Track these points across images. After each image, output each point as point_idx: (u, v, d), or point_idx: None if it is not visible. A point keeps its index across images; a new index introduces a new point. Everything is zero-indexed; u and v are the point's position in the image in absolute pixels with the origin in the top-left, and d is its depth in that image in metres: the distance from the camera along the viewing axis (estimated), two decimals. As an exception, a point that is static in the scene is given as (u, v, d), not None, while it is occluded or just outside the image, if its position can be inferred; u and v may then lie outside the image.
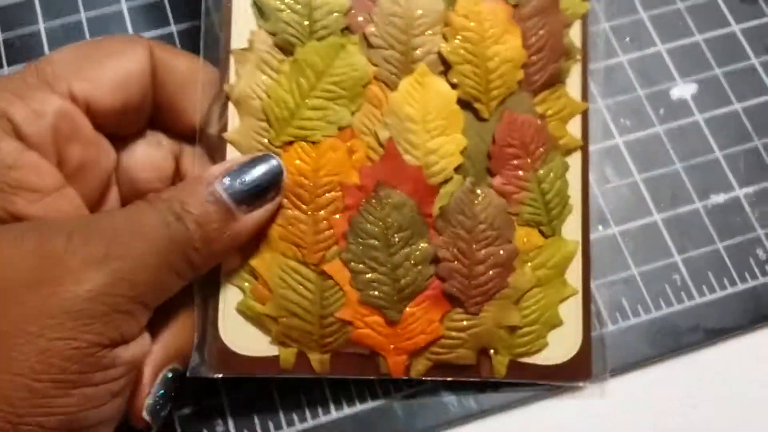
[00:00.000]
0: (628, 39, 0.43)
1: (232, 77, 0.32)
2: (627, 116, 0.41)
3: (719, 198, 0.40)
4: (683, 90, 0.42)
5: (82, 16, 0.41)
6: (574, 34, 0.35)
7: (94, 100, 0.30)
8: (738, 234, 0.39)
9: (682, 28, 0.43)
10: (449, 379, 0.33)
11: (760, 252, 0.39)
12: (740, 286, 0.38)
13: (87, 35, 0.41)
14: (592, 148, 0.37)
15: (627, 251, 0.38)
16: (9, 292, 0.25)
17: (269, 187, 0.30)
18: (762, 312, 0.38)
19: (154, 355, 0.29)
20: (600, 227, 0.38)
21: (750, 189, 0.40)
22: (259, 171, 0.30)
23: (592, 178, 0.36)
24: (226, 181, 0.29)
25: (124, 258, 0.26)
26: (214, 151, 0.32)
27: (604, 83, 0.41)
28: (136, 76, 0.30)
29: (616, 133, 0.41)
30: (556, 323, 0.34)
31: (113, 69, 0.30)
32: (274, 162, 0.30)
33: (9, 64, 0.40)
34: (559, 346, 0.34)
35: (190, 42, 0.35)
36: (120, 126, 0.31)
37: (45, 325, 0.25)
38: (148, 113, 0.32)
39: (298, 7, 0.32)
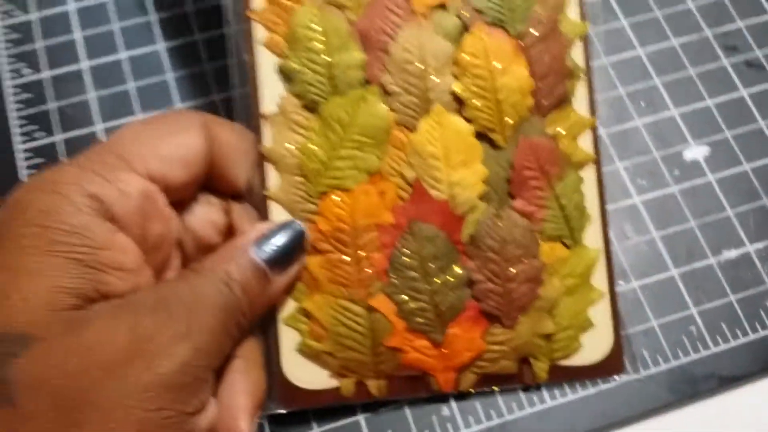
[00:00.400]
0: (643, 104, 0.44)
1: (267, 139, 0.34)
2: (644, 177, 0.42)
3: (731, 254, 0.41)
4: (696, 152, 0.43)
5: (130, 86, 0.44)
6: (576, 54, 0.36)
7: (168, 178, 0.32)
8: (749, 287, 0.40)
9: (693, 93, 0.45)
10: (497, 388, 0.36)
11: None
12: (752, 336, 0.39)
13: (135, 104, 0.43)
14: (611, 206, 0.39)
15: (646, 304, 0.40)
16: (107, 368, 0.27)
17: (296, 249, 0.33)
18: None
19: (245, 408, 0.31)
20: (621, 282, 0.39)
21: (760, 245, 0.41)
22: (285, 237, 0.33)
23: (612, 234, 0.38)
24: (260, 247, 0.32)
25: (200, 331, 0.29)
26: (259, 207, 0.34)
27: (622, 146, 0.43)
28: (199, 150, 0.32)
29: (633, 193, 0.42)
30: (587, 326, 0.36)
31: (181, 146, 0.32)
32: (297, 227, 0.33)
33: (63, 131, 0.43)
34: (593, 347, 0.36)
35: (232, 108, 0.38)
36: (185, 195, 0.34)
37: (141, 398, 0.27)
38: (203, 180, 0.34)
39: (319, 67, 0.34)
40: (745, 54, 0.46)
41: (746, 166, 0.43)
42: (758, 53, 0.46)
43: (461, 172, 0.35)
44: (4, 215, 0.29)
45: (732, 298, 0.40)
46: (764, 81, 0.45)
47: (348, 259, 0.34)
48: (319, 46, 0.35)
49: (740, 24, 0.46)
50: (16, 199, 0.29)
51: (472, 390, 0.36)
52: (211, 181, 0.34)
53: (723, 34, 0.46)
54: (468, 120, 0.35)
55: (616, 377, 0.37)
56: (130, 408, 0.27)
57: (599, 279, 0.36)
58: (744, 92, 0.45)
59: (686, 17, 0.46)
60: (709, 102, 0.44)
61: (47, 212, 0.28)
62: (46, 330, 0.27)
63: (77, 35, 0.45)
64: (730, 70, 0.45)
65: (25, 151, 0.42)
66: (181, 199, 0.33)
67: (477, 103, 0.35)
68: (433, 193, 0.35)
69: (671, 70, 0.45)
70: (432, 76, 0.35)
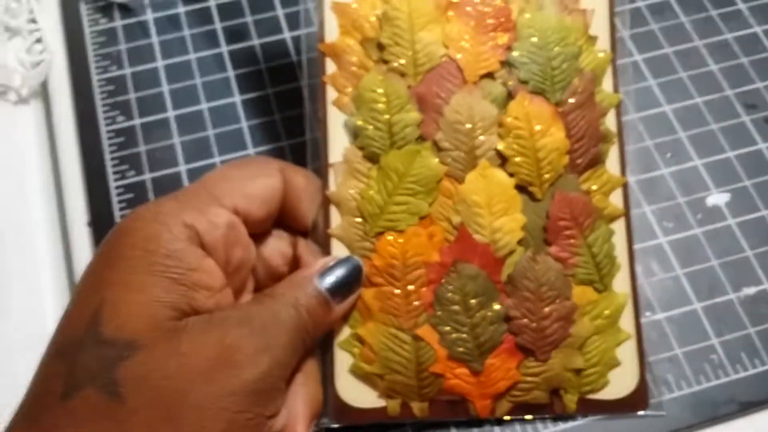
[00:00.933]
0: (669, 155, 0.47)
1: (332, 185, 0.38)
2: (669, 220, 0.45)
3: (750, 290, 0.43)
4: (717, 198, 0.46)
5: (210, 132, 0.48)
6: (610, 121, 0.40)
7: (249, 213, 0.35)
8: (767, 321, 0.42)
9: (715, 146, 0.47)
10: (529, 417, 0.39)
11: None
12: None
13: (214, 149, 0.47)
14: (639, 246, 0.41)
15: (671, 334, 0.42)
16: (201, 372, 0.30)
17: (353, 281, 0.37)
18: None
19: (303, 416, 0.34)
20: (648, 313, 0.42)
21: None
22: (345, 270, 0.36)
23: (640, 270, 0.41)
24: (323, 278, 0.35)
25: (277, 346, 0.32)
26: (322, 243, 0.38)
27: (650, 192, 0.45)
28: (276, 192, 0.36)
29: (660, 234, 0.44)
30: (614, 364, 0.38)
31: (261, 187, 0.36)
32: (355, 262, 0.37)
33: (151, 171, 0.47)
34: (619, 383, 0.38)
35: (298, 153, 0.42)
36: (261, 229, 0.37)
37: (230, 400, 0.30)
38: (276, 217, 0.38)
39: (380, 125, 0.38)
40: (764, 111, 0.48)
41: (764, 212, 0.45)
42: None
43: (502, 220, 0.38)
44: (114, 239, 0.33)
45: (751, 330, 0.42)
46: None
47: (398, 292, 0.38)
48: (382, 106, 0.38)
49: (759, 84, 0.49)
50: (125, 226, 0.33)
51: (507, 417, 0.38)
52: (283, 218, 0.38)
53: (743, 93, 0.49)
54: (510, 174, 0.38)
55: (640, 413, 0.39)
56: (221, 409, 0.30)
57: (627, 321, 0.39)
58: (762, 146, 0.47)
59: (709, 78, 0.49)
60: (730, 154, 0.47)
61: (150, 238, 0.32)
62: (149, 338, 0.30)
63: (165, 88, 0.50)
64: (749, 125, 0.48)
65: (117, 187, 0.46)
66: (258, 232, 0.37)
67: (518, 159, 0.38)
68: (477, 237, 0.38)
69: (695, 125, 0.48)
70: (479, 136, 0.39)
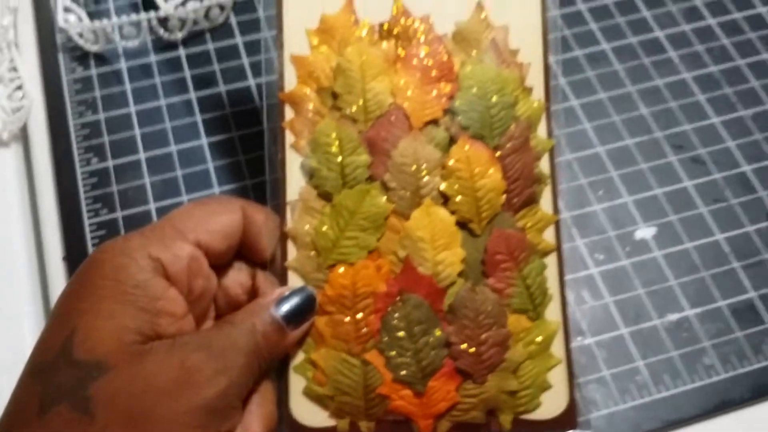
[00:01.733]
0: (601, 192, 0.50)
1: (289, 221, 0.41)
2: (600, 252, 0.48)
3: (673, 317, 0.46)
4: (645, 232, 0.49)
5: (179, 173, 0.51)
6: (544, 164, 0.42)
7: (211, 246, 0.37)
8: (688, 345, 0.45)
9: (644, 183, 0.51)
10: None
11: (705, 359, 0.45)
12: (690, 385, 0.44)
13: (182, 188, 0.50)
14: (572, 276, 0.44)
15: (600, 357, 0.45)
16: (164, 391, 0.32)
17: (307, 310, 0.39)
18: (708, 406, 0.44)
19: None
20: (579, 338, 0.45)
21: (698, 310, 0.47)
22: (299, 299, 0.39)
23: (572, 298, 0.44)
24: (279, 306, 0.38)
25: (234, 368, 0.34)
26: (279, 274, 0.40)
27: (582, 226, 0.48)
28: (236, 228, 0.38)
29: (591, 265, 0.48)
30: (546, 387, 0.41)
31: (223, 223, 0.38)
32: (309, 292, 0.39)
33: (123, 209, 0.49)
34: (551, 404, 0.41)
35: (261, 192, 0.44)
36: (223, 261, 0.39)
37: (191, 416, 0.32)
38: (237, 250, 0.40)
39: (333, 166, 0.41)
40: (691, 152, 0.52)
41: (688, 245, 0.49)
42: (701, 151, 0.52)
43: (444, 254, 0.41)
44: (86, 270, 0.36)
45: (673, 353, 0.45)
46: (705, 174, 0.51)
47: (348, 319, 0.40)
48: (335, 149, 0.41)
49: (686, 127, 0.53)
50: (96, 258, 0.36)
51: None
52: (243, 251, 0.40)
53: (671, 135, 0.53)
54: (451, 212, 0.41)
55: None
56: (182, 424, 0.32)
57: (557, 347, 0.41)
58: (688, 183, 0.51)
59: (640, 121, 0.53)
60: (658, 191, 0.50)
61: (119, 269, 0.35)
62: (117, 359, 0.32)
63: (136, 132, 0.53)
64: (676, 164, 0.51)
65: (91, 225, 0.49)
66: (219, 264, 0.40)
67: (459, 199, 0.41)
68: (421, 269, 0.41)
69: (626, 164, 0.51)
70: (424, 177, 0.41)
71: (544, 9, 0.44)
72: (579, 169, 0.51)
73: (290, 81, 0.43)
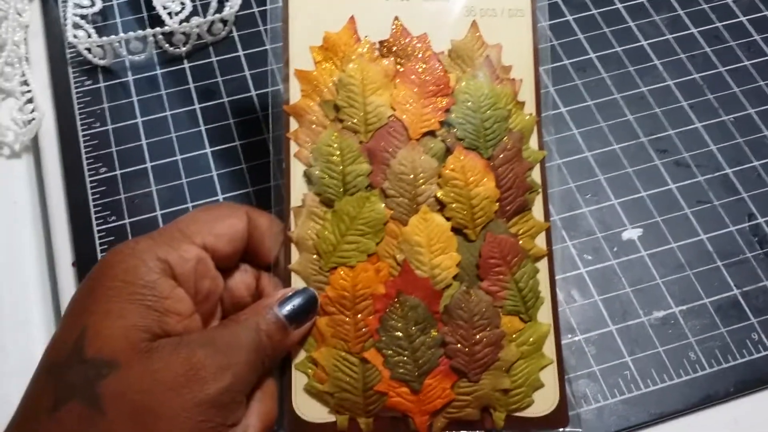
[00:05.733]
0: (589, 195, 0.52)
1: (293, 226, 0.42)
2: (589, 253, 0.50)
3: (660, 314, 0.48)
4: (632, 233, 0.50)
5: (184, 181, 0.52)
6: (536, 174, 0.44)
7: (217, 249, 0.39)
8: (674, 341, 0.47)
9: (631, 186, 0.52)
10: None
11: (691, 354, 0.47)
12: (676, 380, 0.46)
13: (187, 195, 0.51)
14: (562, 276, 0.45)
15: (590, 354, 0.46)
16: (170, 387, 0.33)
17: (309, 309, 0.40)
18: (693, 400, 0.45)
19: (256, 428, 0.37)
20: (569, 335, 0.46)
21: (683, 307, 0.48)
22: (301, 299, 0.40)
23: (562, 297, 0.45)
24: (282, 306, 0.39)
25: (238, 364, 0.35)
26: (283, 276, 0.42)
27: (572, 228, 0.50)
28: (241, 232, 0.40)
29: (580, 265, 0.49)
30: (538, 386, 0.42)
31: (228, 227, 0.39)
32: (311, 293, 0.41)
33: (130, 217, 0.50)
34: (543, 402, 0.42)
35: (262, 198, 0.46)
36: (229, 264, 0.40)
37: (196, 411, 0.33)
38: (242, 254, 0.42)
39: (335, 174, 0.43)
40: (675, 155, 0.53)
41: (673, 245, 0.50)
42: (685, 155, 0.53)
43: (440, 258, 0.42)
44: (96, 272, 0.37)
45: (660, 349, 0.46)
46: (689, 177, 0.53)
47: (348, 319, 0.42)
48: (337, 159, 0.43)
49: (670, 131, 0.54)
50: (106, 260, 0.37)
51: None
52: (248, 254, 0.42)
53: (656, 140, 0.54)
54: (447, 218, 0.43)
55: (560, 429, 0.43)
56: (188, 418, 0.33)
57: (549, 348, 0.43)
58: (672, 186, 0.52)
59: (626, 126, 0.55)
60: (643, 194, 0.52)
61: (128, 271, 0.36)
62: (126, 357, 0.33)
63: (143, 142, 0.54)
64: (661, 168, 0.53)
65: (100, 231, 0.50)
66: (225, 267, 0.41)
67: (454, 206, 0.43)
68: (418, 272, 0.42)
69: (613, 168, 0.53)
70: (421, 185, 0.43)
71: (535, 28, 0.46)
72: (568, 173, 0.53)
73: (294, 94, 0.44)
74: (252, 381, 0.38)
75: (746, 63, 0.58)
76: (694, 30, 0.59)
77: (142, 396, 0.33)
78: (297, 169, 0.43)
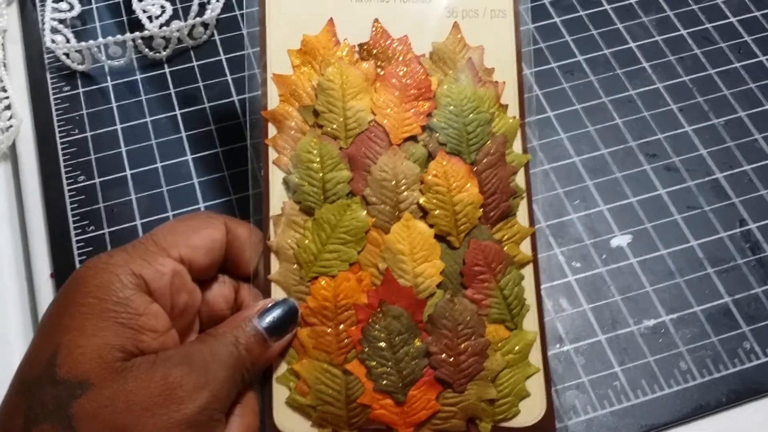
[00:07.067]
0: (577, 201, 0.51)
1: (272, 235, 0.42)
2: (577, 260, 0.49)
3: (650, 322, 0.47)
4: (620, 240, 0.50)
5: (164, 189, 0.51)
6: (520, 178, 0.44)
7: (194, 261, 0.38)
8: (665, 350, 0.46)
9: (619, 192, 0.52)
10: None
11: (682, 364, 0.46)
12: (667, 390, 0.45)
13: (168, 204, 0.51)
14: (549, 285, 0.45)
15: (578, 364, 0.45)
16: (146, 408, 0.33)
17: (289, 321, 0.40)
18: (684, 411, 0.45)
19: None
20: (557, 345, 0.46)
21: (674, 315, 0.47)
22: (282, 311, 0.39)
23: (550, 306, 0.45)
24: (262, 318, 0.38)
25: (215, 381, 0.35)
26: (262, 287, 0.41)
27: (560, 235, 0.49)
28: (219, 242, 0.39)
29: (569, 273, 0.49)
30: (524, 395, 0.42)
31: (205, 238, 0.39)
32: (291, 304, 0.40)
33: (109, 226, 0.50)
34: (529, 412, 0.42)
35: (245, 207, 0.44)
36: (206, 275, 0.40)
37: (172, 431, 0.33)
38: (221, 264, 0.41)
39: (315, 182, 0.42)
40: (664, 160, 0.53)
41: (663, 252, 0.50)
42: (675, 159, 0.53)
43: (423, 266, 0.42)
44: (69, 288, 0.36)
45: (650, 358, 0.46)
46: (679, 182, 0.52)
47: (330, 330, 0.41)
48: (316, 165, 0.42)
49: (659, 135, 0.54)
50: (79, 276, 0.36)
51: None
52: (227, 265, 0.41)
53: (645, 144, 0.54)
54: (430, 225, 0.42)
55: None
56: None
57: (535, 357, 0.42)
58: (662, 191, 0.52)
59: (614, 130, 0.54)
60: (632, 199, 0.51)
61: (102, 287, 0.35)
62: (99, 377, 0.33)
63: (122, 149, 0.53)
64: (650, 173, 0.52)
65: (78, 241, 0.50)
66: (203, 278, 0.40)
67: (437, 212, 0.42)
68: (400, 281, 0.42)
69: (601, 173, 0.52)
70: (403, 191, 0.43)
71: (518, 29, 0.45)
72: (555, 179, 0.52)
73: (273, 99, 0.44)
74: (231, 397, 0.37)
75: (736, 65, 0.58)
76: (683, 31, 0.59)
77: (117, 416, 0.33)
78: (276, 177, 0.43)
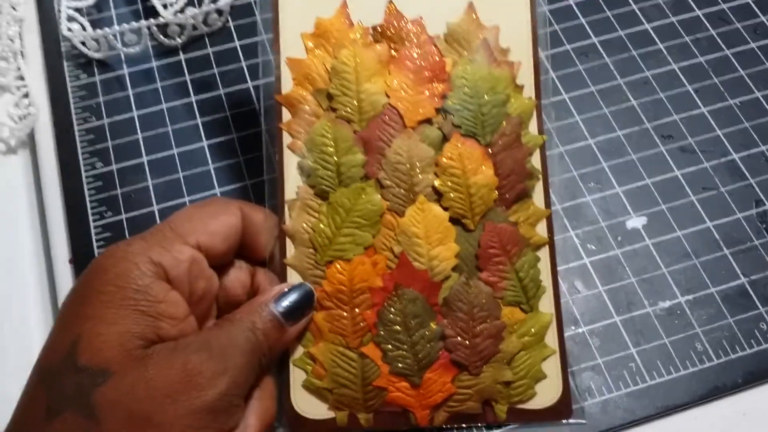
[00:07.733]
0: (592, 183, 0.51)
1: (287, 220, 0.42)
2: (592, 242, 0.49)
3: (665, 304, 0.47)
4: (636, 222, 0.49)
5: (180, 175, 0.52)
6: (536, 159, 0.44)
7: (211, 248, 0.38)
8: (680, 332, 0.46)
9: (635, 174, 0.51)
10: (464, 425, 0.42)
11: (698, 345, 0.46)
12: (683, 372, 0.45)
13: (184, 189, 0.51)
14: (565, 267, 0.44)
15: (594, 346, 0.45)
16: (166, 395, 0.33)
17: (306, 305, 0.40)
18: (700, 392, 0.45)
19: (255, 427, 0.36)
20: (573, 327, 0.46)
21: (689, 297, 0.47)
22: (298, 295, 0.40)
23: (565, 288, 0.45)
24: (278, 303, 0.39)
25: (234, 368, 0.35)
26: (278, 272, 0.42)
27: (575, 217, 0.49)
28: (235, 228, 0.39)
29: (584, 255, 0.48)
30: (540, 377, 0.42)
31: (222, 225, 0.39)
32: (307, 288, 0.40)
33: (126, 212, 0.50)
34: (545, 394, 0.42)
35: (260, 192, 0.45)
36: (223, 261, 0.40)
37: (192, 418, 0.33)
38: (237, 250, 0.41)
39: (329, 166, 0.42)
40: (680, 141, 0.52)
41: (678, 233, 0.49)
42: (690, 140, 0.53)
43: (438, 249, 0.42)
44: (89, 276, 0.36)
45: (665, 340, 0.46)
46: (694, 163, 0.52)
47: (346, 314, 0.41)
48: (331, 149, 0.43)
49: (675, 117, 0.53)
50: (98, 264, 0.36)
51: (444, 426, 0.42)
52: (243, 250, 0.42)
53: (660, 125, 0.53)
54: (445, 208, 0.42)
55: (563, 421, 0.42)
56: (185, 426, 0.33)
57: (551, 338, 0.43)
58: (677, 173, 0.51)
59: (630, 112, 0.54)
60: (648, 181, 0.51)
61: (121, 275, 0.36)
62: (120, 365, 0.33)
63: (139, 136, 0.53)
64: (665, 154, 0.52)
65: (96, 227, 0.50)
66: (220, 264, 0.41)
67: (452, 195, 0.42)
68: (416, 264, 0.42)
69: (616, 155, 0.52)
70: (418, 174, 0.43)
71: (533, 8, 0.45)
72: (570, 161, 0.52)
73: (286, 83, 0.44)
74: (249, 382, 0.37)
75: (753, 45, 0.57)
76: (698, 12, 0.58)
77: (138, 404, 0.33)
78: (291, 161, 0.43)
